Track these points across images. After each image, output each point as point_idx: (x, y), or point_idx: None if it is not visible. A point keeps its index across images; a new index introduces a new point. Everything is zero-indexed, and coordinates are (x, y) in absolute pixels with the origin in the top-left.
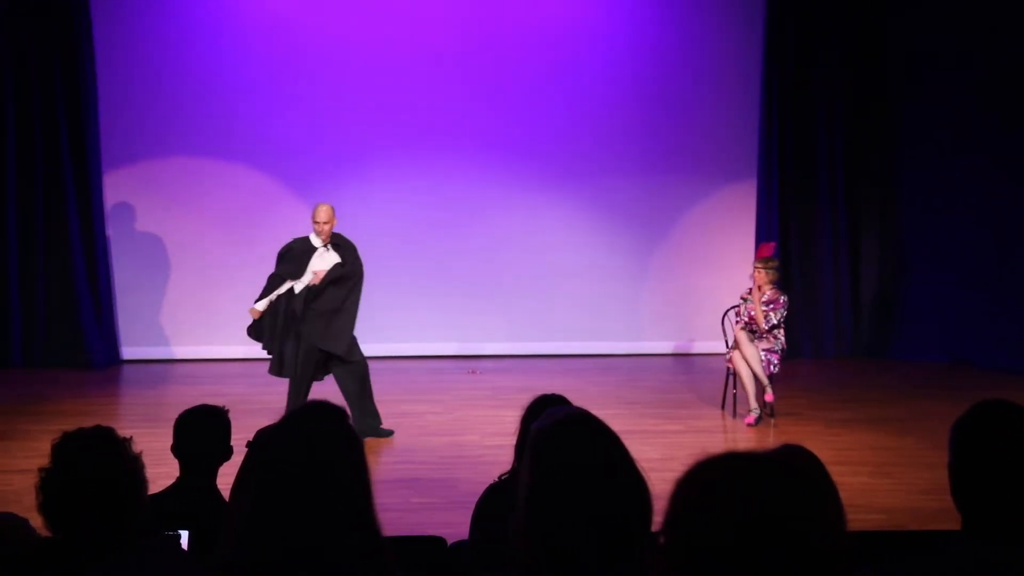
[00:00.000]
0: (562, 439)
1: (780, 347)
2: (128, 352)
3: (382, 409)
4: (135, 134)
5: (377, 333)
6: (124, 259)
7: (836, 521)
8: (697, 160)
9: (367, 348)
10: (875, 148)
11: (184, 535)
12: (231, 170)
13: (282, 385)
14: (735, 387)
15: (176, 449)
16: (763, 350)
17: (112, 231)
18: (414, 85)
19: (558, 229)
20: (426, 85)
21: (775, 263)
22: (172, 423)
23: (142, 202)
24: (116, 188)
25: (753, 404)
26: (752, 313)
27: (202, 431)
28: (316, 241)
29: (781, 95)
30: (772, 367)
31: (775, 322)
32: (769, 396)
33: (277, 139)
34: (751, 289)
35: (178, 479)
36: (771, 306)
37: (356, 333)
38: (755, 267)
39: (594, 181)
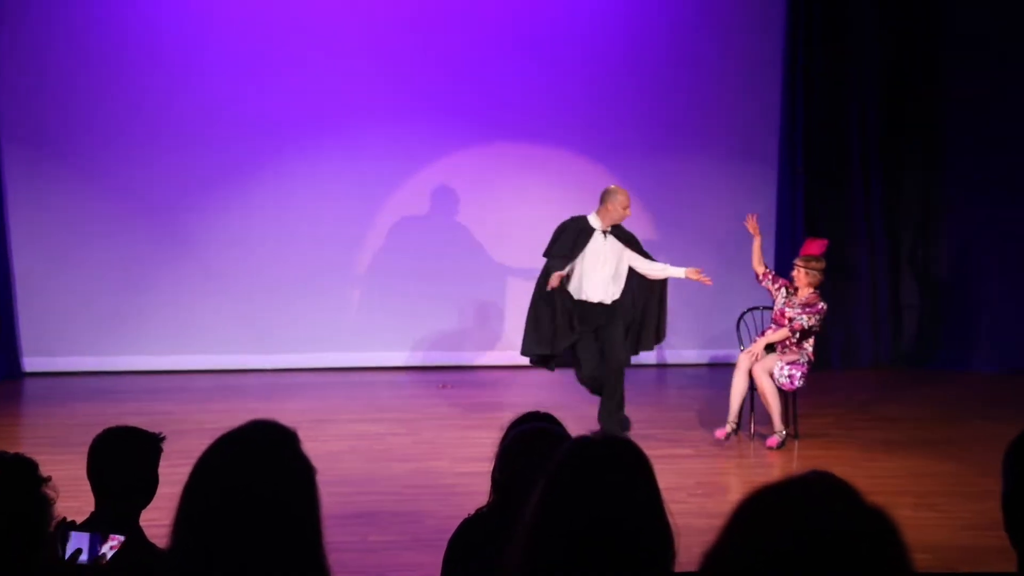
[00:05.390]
0: (584, 469)
1: (806, 359)
2: (31, 363)
3: (334, 429)
4: (40, 109)
5: (331, 341)
6: (28, 255)
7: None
8: (713, 150)
9: (317, 358)
10: (917, 135)
11: None
12: (156, 153)
13: (217, 402)
14: (753, 405)
15: (91, 477)
16: (787, 363)
17: (13, 222)
18: (383, 61)
19: (548, 223)
20: (405, 63)
21: (820, 264)
22: (84, 447)
23: (51, 188)
24: (18, 172)
25: (778, 424)
26: (785, 314)
27: (123, 457)
28: (596, 223)
29: (807, 75)
30: (795, 381)
31: (806, 327)
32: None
33: (211, 118)
34: (789, 286)
35: (93, 514)
36: (806, 310)
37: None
38: (795, 265)
39: (577, 176)
